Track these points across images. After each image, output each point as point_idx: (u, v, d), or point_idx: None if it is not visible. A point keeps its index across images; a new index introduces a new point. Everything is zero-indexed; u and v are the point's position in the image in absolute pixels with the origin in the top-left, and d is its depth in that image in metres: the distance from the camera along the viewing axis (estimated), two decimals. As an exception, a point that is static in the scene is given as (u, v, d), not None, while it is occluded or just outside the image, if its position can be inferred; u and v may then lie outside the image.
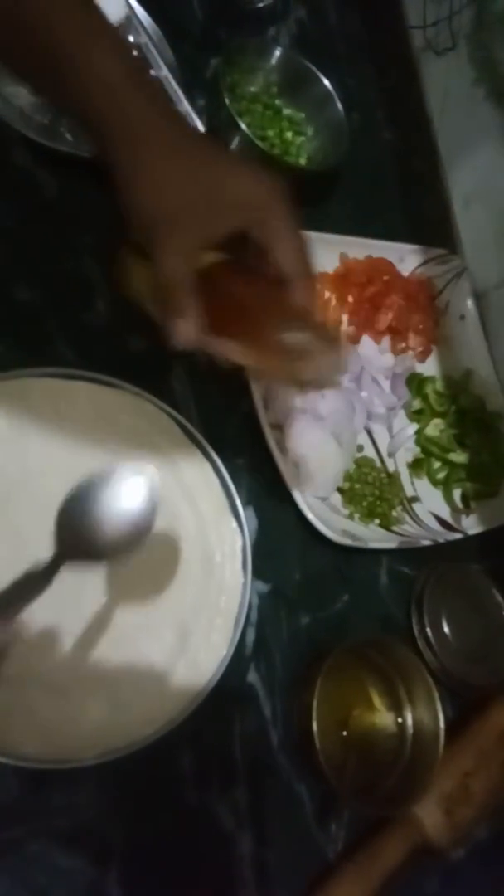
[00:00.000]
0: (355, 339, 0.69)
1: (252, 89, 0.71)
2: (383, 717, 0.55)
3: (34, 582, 0.39)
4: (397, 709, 0.55)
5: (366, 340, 0.69)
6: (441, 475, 0.68)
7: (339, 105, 0.72)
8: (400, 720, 0.54)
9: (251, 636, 0.54)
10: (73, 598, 0.47)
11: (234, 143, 0.65)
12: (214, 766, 0.49)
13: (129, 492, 0.43)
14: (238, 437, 0.59)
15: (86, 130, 0.42)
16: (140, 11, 0.64)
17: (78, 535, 0.41)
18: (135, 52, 0.62)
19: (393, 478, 0.65)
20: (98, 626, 0.48)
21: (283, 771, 0.51)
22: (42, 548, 0.47)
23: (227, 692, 0.50)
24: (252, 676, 0.53)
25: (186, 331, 0.43)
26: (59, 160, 0.57)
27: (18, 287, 0.54)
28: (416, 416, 0.69)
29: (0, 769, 0.41)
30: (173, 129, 0.42)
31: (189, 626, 0.51)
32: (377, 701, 0.55)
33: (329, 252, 0.69)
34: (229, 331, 0.44)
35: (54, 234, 0.57)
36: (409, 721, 0.54)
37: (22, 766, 0.41)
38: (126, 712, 0.46)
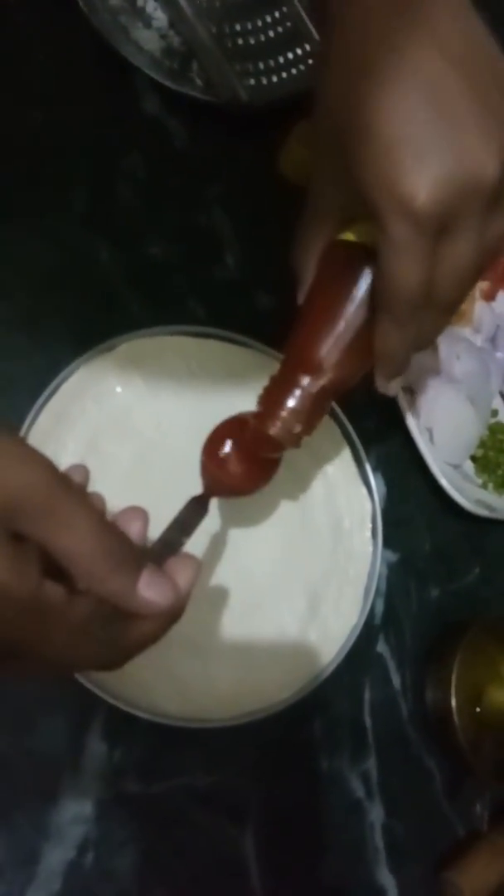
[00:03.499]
0: (490, 296, 0.64)
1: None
2: (517, 696, 0.53)
3: (194, 511, 0.38)
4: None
5: (501, 297, 0.64)
6: None
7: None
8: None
9: (380, 606, 0.53)
10: (209, 563, 0.47)
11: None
12: (345, 734, 0.48)
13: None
14: (367, 400, 0.57)
15: None
16: None
17: None
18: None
19: (529, 446, 0.61)
20: (233, 589, 0.47)
21: (413, 744, 0.50)
22: (178, 507, 0.47)
23: (356, 661, 0.49)
24: (381, 647, 0.52)
25: None
26: (189, 108, 0.55)
27: (151, 242, 0.52)
28: (553, 379, 0.64)
29: (143, 726, 0.42)
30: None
31: (319, 594, 0.50)
32: (511, 679, 0.53)
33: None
34: None
35: (185, 185, 0.55)
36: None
37: (163, 724, 0.42)
38: (260, 676, 0.46)
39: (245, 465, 0.42)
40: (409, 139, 0.30)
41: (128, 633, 0.28)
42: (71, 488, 0.25)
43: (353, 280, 0.37)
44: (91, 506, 0.26)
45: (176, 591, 0.28)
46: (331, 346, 0.39)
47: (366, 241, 0.37)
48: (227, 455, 0.42)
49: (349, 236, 0.39)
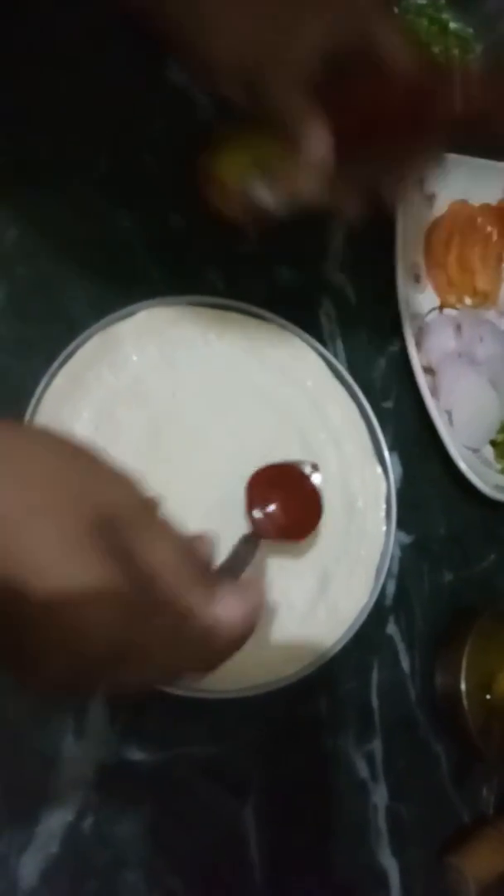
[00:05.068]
0: (517, 280, 0.63)
1: (419, 1, 0.65)
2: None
3: (246, 548, 0.42)
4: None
5: (528, 281, 0.63)
6: None
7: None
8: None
9: (392, 588, 0.52)
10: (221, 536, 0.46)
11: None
12: (351, 714, 0.48)
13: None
14: (386, 379, 0.56)
15: None
16: None
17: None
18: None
19: (551, 433, 0.60)
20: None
21: (420, 727, 0.49)
22: (191, 478, 0.47)
23: (366, 642, 0.49)
24: (391, 628, 0.51)
25: (318, 149, 0.38)
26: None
27: (173, 212, 0.52)
28: None
29: (147, 695, 0.41)
30: None
31: (330, 572, 0.49)
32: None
33: (491, 181, 0.62)
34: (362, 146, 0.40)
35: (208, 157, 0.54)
36: None
37: (168, 692, 0.41)
38: (267, 650, 0.45)
39: (290, 516, 0.46)
40: None
41: (211, 641, 0.29)
42: (157, 508, 0.29)
43: None
44: (174, 526, 0.29)
45: (245, 609, 0.30)
46: None
47: None
48: (273, 512, 0.46)
49: None
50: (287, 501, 0.46)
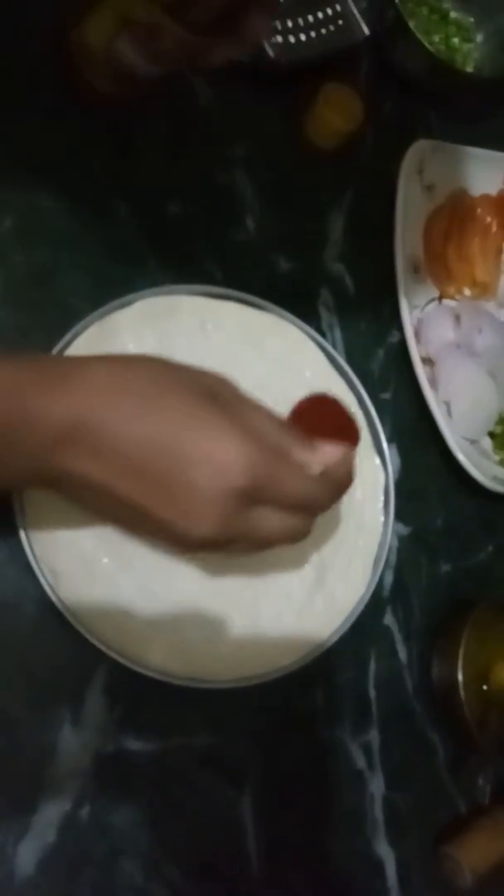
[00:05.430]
0: (516, 271, 0.63)
1: (418, -11, 0.65)
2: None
3: None
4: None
5: (527, 273, 0.63)
6: None
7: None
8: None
9: (389, 579, 0.52)
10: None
11: (399, 49, 0.59)
12: (348, 704, 0.48)
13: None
14: (385, 370, 0.56)
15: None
16: None
17: None
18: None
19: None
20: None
21: (417, 717, 0.49)
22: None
23: (363, 633, 0.48)
24: (389, 619, 0.51)
25: None
26: (215, 67, 0.54)
27: (170, 200, 0.52)
28: None
29: (144, 684, 0.41)
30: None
31: (327, 562, 0.49)
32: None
33: (492, 171, 0.62)
34: None
35: (207, 144, 0.54)
36: None
37: (165, 682, 0.41)
38: (264, 640, 0.45)
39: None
40: None
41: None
42: (276, 447, 0.34)
43: None
44: (287, 454, 0.35)
45: (343, 451, 0.38)
46: None
47: None
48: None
49: None
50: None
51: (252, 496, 0.32)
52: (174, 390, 0.33)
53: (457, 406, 0.55)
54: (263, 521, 0.34)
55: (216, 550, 0.35)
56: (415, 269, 0.58)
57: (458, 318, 0.57)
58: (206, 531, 0.32)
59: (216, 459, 0.31)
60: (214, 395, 0.34)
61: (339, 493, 0.38)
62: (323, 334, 0.53)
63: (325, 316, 0.55)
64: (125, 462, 0.31)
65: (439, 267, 0.59)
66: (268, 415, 0.35)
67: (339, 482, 0.37)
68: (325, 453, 0.36)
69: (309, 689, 0.47)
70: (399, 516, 0.52)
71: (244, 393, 0.35)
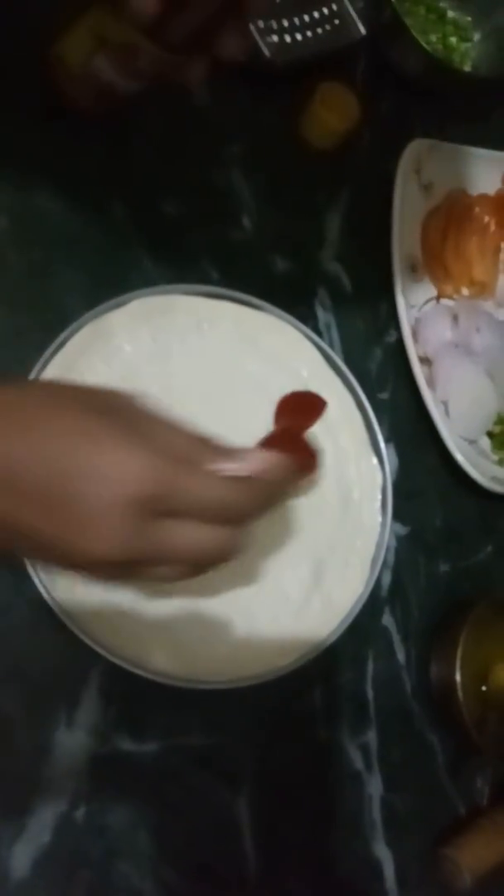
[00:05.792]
0: (514, 271, 0.62)
1: (415, -11, 0.65)
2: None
3: None
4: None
5: (526, 272, 0.63)
6: None
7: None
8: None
9: (387, 579, 0.52)
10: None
11: (396, 48, 0.59)
12: (346, 705, 0.48)
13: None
14: (382, 370, 0.56)
15: None
16: None
17: None
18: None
19: (548, 424, 0.59)
20: (236, 552, 0.47)
21: (415, 719, 0.49)
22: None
23: (361, 633, 0.48)
24: (387, 619, 0.51)
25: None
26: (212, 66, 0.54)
27: (166, 199, 0.52)
28: None
29: (140, 685, 0.41)
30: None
31: (325, 563, 0.49)
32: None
33: (490, 171, 0.62)
34: None
35: (203, 144, 0.54)
36: None
37: (161, 683, 0.41)
38: (261, 641, 0.45)
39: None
40: None
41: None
42: (182, 456, 0.30)
43: None
44: (197, 463, 0.31)
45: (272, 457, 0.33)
46: None
47: None
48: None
49: None
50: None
51: (153, 507, 0.29)
52: (68, 409, 0.31)
53: (455, 406, 0.55)
54: (176, 536, 0.31)
55: (133, 574, 0.32)
56: (412, 269, 0.58)
57: (455, 318, 0.57)
58: (107, 547, 0.29)
59: (107, 470, 0.29)
60: (114, 411, 0.31)
61: (270, 500, 0.34)
62: (320, 334, 0.53)
63: (322, 315, 0.55)
64: (18, 486, 0.29)
65: (437, 266, 0.59)
66: (177, 429, 0.32)
67: (268, 488, 0.33)
68: (253, 459, 0.33)
69: (306, 690, 0.47)
70: (397, 516, 0.52)
71: (154, 410, 0.32)
